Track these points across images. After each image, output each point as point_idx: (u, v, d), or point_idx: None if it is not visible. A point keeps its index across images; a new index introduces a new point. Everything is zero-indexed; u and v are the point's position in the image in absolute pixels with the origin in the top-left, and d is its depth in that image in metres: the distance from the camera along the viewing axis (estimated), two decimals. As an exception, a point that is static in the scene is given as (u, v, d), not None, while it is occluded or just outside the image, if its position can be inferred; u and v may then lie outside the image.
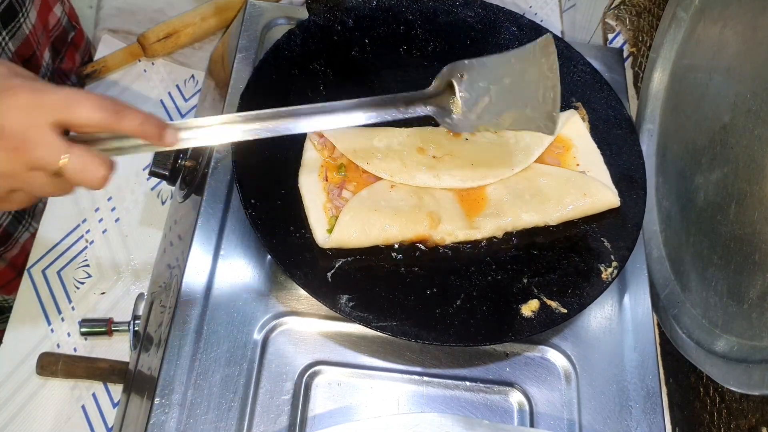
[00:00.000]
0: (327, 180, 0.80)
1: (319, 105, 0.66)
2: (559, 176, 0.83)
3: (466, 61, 0.70)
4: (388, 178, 0.80)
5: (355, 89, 0.88)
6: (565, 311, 0.75)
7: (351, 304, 0.72)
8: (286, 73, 0.86)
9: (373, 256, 0.77)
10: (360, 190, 0.79)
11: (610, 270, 0.78)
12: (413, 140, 0.83)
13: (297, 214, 0.77)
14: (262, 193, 0.76)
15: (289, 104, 0.84)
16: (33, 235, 1.15)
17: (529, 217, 0.80)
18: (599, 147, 0.87)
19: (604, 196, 0.81)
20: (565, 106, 0.90)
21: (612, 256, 0.79)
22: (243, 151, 0.77)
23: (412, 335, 0.71)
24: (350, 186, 0.80)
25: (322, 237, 0.76)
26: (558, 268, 0.79)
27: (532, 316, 0.74)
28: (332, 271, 0.74)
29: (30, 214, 1.15)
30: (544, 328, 0.74)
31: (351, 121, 0.67)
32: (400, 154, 0.82)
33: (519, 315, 0.75)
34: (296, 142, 0.82)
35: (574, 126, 0.87)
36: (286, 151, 0.81)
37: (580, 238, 0.81)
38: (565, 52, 0.93)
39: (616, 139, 0.88)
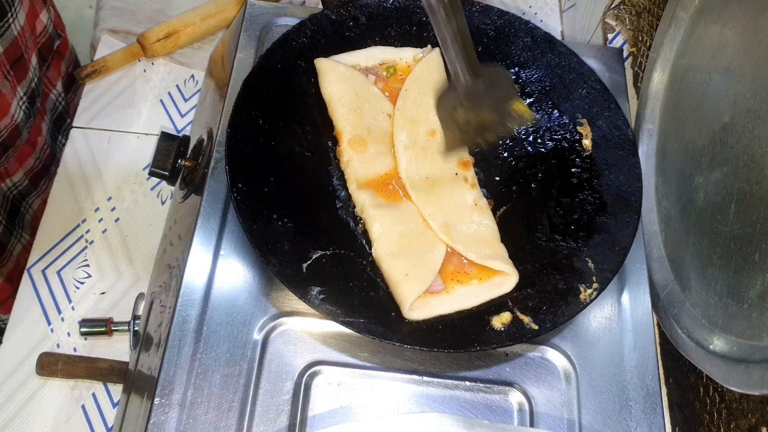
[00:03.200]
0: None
1: None
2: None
3: None
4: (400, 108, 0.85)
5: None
6: (536, 328, 0.73)
7: (321, 296, 0.71)
8: (292, 64, 0.86)
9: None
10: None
11: (589, 291, 0.76)
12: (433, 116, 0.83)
13: (282, 202, 0.77)
14: (251, 179, 0.76)
15: (288, 95, 0.85)
16: (25, 248, 1.13)
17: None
18: (599, 165, 0.86)
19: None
20: (570, 121, 0.90)
21: (594, 278, 0.77)
22: (237, 136, 0.77)
23: (377, 334, 0.70)
24: (380, 84, 0.88)
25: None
26: (537, 283, 0.77)
27: (502, 329, 0.73)
28: (308, 262, 0.74)
29: (20, 224, 1.14)
30: (512, 342, 0.73)
31: None
32: (419, 111, 0.86)
33: (489, 326, 0.73)
34: (292, 133, 0.82)
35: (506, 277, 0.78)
36: (280, 141, 0.81)
37: (564, 255, 0.80)
38: (577, 67, 0.91)
39: (616, 159, 0.86)
